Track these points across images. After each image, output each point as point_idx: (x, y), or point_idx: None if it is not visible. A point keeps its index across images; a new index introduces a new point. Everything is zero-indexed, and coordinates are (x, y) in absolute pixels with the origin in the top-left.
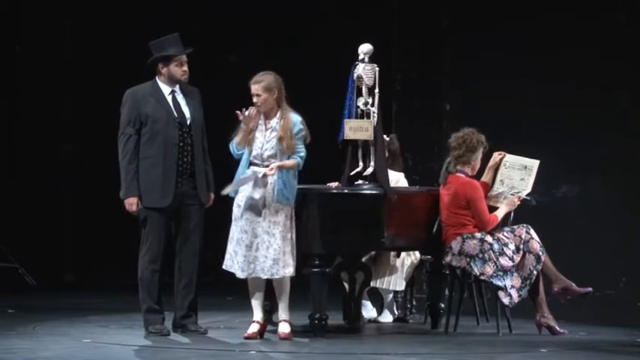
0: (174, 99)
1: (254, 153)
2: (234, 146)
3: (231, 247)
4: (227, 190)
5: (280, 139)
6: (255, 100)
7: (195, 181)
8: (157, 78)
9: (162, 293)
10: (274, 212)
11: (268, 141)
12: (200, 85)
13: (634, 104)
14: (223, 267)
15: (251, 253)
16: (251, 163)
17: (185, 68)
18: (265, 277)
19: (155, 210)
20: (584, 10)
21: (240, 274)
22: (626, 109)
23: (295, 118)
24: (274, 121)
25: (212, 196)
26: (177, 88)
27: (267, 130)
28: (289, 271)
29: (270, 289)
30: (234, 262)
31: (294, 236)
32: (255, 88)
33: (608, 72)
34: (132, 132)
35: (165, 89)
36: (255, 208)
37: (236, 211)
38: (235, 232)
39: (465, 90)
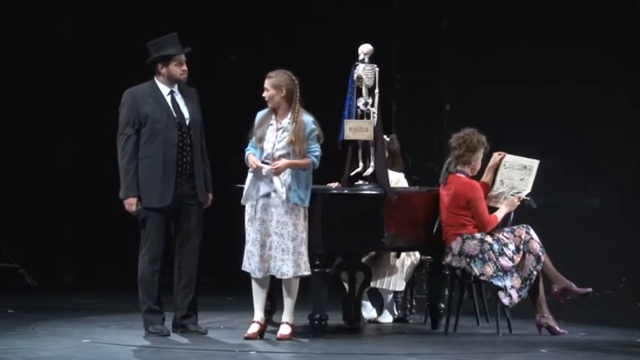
0: (173, 99)
1: (265, 153)
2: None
3: (247, 247)
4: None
5: (292, 143)
6: (264, 94)
7: (194, 181)
8: (155, 78)
9: (163, 293)
10: (283, 212)
11: (280, 141)
12: (200, 85)
13: (634, 104)
14: (242, 268)
15: (265, 251)
16: (262, 163)
17: (184, 67)
18: (278, 276)
19: (155, 210)
20: (585, 10)
21: (257, 274)
22: (626, 109)
23: (307, 119)
24: (286, 122)
25: (210, 196)
26: (175, 88)
27: (278, 129)
28: (301, 271)
29: (271, 290)
30: (251, 262)
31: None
32: (265, 82)
33: (608, 72)
34: (131, 132)
35: (164, 89)
36: (266, 207)
37: (250, 210)
38: (251, 232)
39: (464, 90)
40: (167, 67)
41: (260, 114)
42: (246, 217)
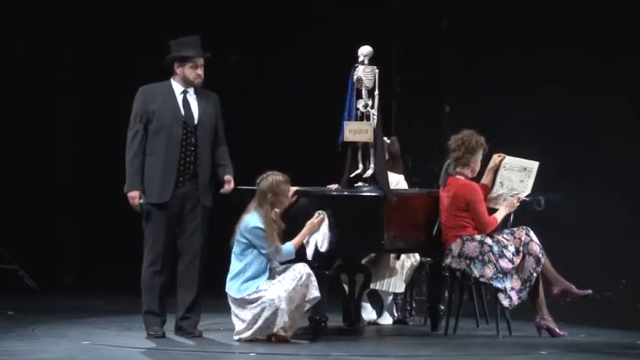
0: (184, 98)
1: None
2: (291, 250)
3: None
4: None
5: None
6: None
7: (198, 182)
8: (172, 78)
9: (167, 295)
10: None
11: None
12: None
13: (634, 104)
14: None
15: None
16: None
17: (199, 72)
18: None
19: (156, 208)
20: (585, 10)
21: None
22: (626, 109)
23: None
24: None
25: (232, 180)
26: (190, 89)
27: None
28: None
29: None
30: None
31: None
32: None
33: (609, 72)
34: (139, 127)
35: (177, 88)
36: None
37: None
38: None
39: (464, 91)
40: (182, 68)
41: (263, 224)
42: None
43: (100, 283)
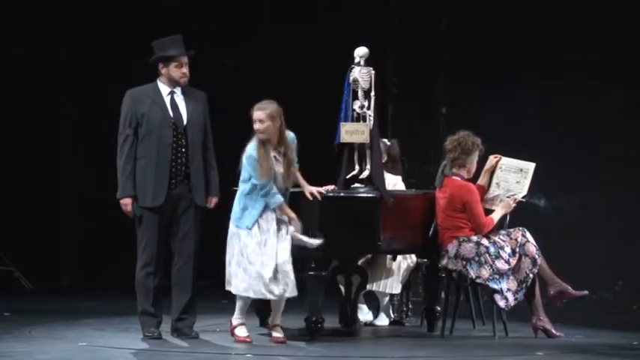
0: (172, 100)
1: (279, 185)
2: (280, 200)
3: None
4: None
5: (290, 163)
6: (257, 126)
7: (190, 182)
8: (158, 79)
9: (163, 296)
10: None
11: (283, 168)
12: (197, 88)
13: (633, 105)
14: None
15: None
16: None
17: (184, 70)
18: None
19: (150, 211)
20: (584, 11)
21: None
22: (625, 110)
23: (291, 135)
24: (280, 148)
25: (215, 199)
26: (178, 89)
27: (278, 160)
28: None
29: None
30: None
31: None
32: (258, 114)
33: (609, 73)
34: (129, 132)
35: (164, 90)
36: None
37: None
38: (259, 254)
39: (461, 93)
40: (167, 68)
41: (256, 153)
42: (255, 241)
43: (97, 285)
